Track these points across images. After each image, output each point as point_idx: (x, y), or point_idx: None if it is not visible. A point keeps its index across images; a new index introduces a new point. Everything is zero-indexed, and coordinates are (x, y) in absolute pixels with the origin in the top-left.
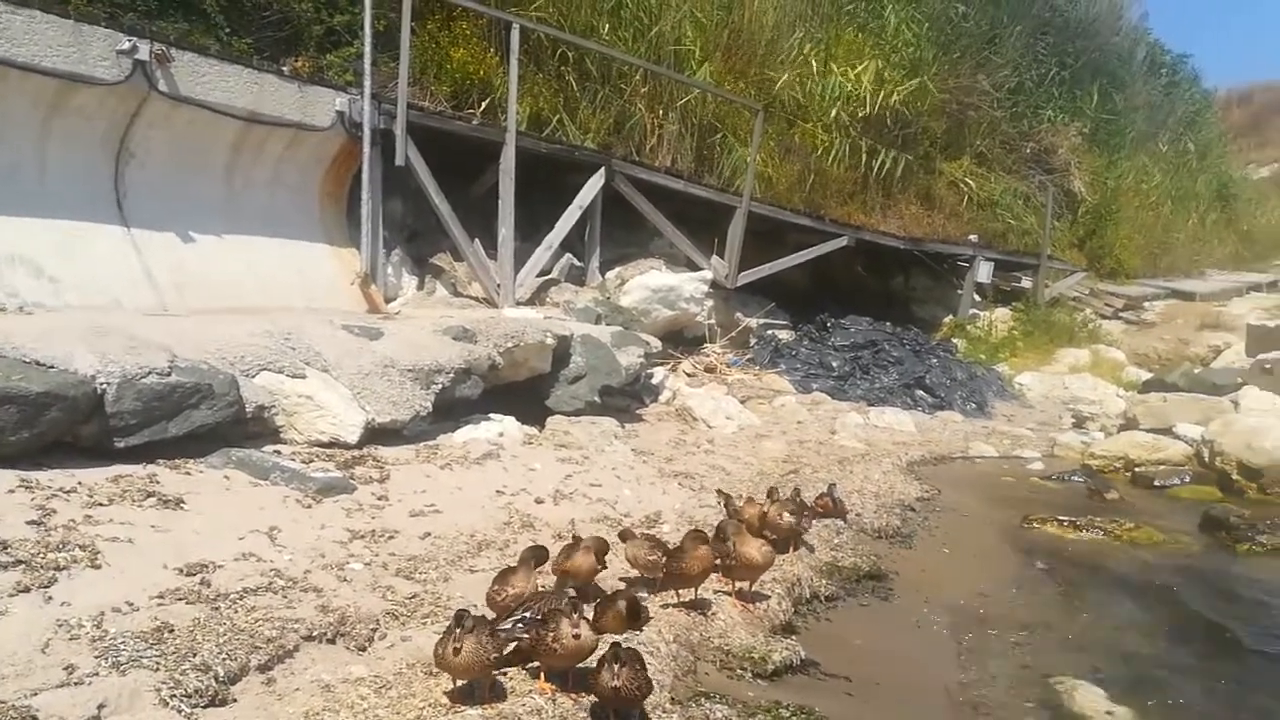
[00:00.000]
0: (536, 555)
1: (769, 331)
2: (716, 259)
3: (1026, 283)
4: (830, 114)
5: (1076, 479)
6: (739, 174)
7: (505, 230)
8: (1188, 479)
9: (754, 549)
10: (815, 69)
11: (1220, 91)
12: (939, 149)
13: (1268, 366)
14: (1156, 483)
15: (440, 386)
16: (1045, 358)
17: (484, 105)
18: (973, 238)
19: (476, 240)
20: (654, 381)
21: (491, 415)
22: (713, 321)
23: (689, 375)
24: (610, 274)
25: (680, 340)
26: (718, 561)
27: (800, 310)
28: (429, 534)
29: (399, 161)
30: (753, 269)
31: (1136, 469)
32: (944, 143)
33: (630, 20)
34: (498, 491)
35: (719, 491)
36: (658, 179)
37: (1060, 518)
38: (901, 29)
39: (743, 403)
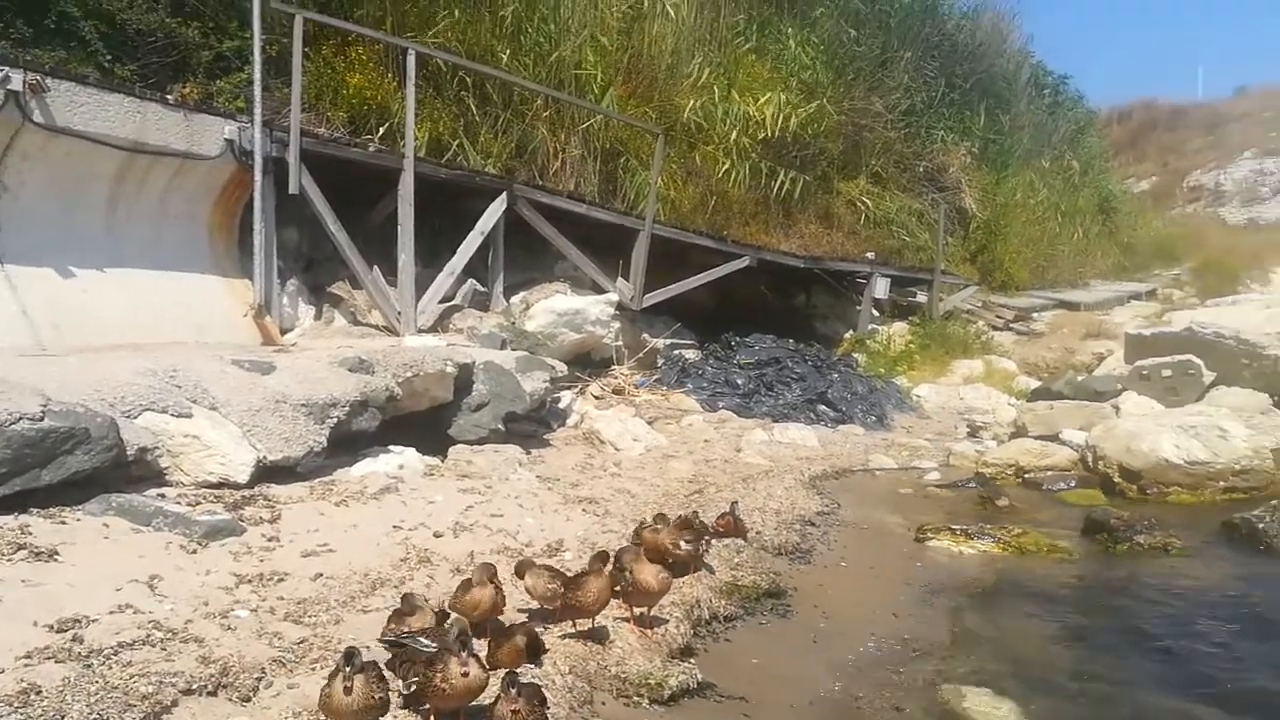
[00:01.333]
0: (489, 571)
1: (676, 351)
2: (622, 281)
3: (922, 297)
4: (731, 137)
5: (970, 487)
6: (643, 197)
7: (405, 257)
8: (1073, 483)
9: (650, 575)
10: (716, 94)
11: (1101, 110)
12: (837, 169)
13: (1145, 373)
14: (1045, 488)
15: (336, 420)
16: (941, 369)
17: (382, 131)
18: (870, 255)
19: (376, 268)
20: (561, 406)
21: (391, 447)
22: (620, 343)
23: (597, 398)
24: (515, 298)
25: (588, 363)
26: (617, 588)
27: (706, 329)
28: (321, 575)
29: (293, 190)
30: (658, 290)
31: (1026, 475)
32: (841, 163)
33: (531, 45)
34: (395, 527)
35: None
36: (560, 203)
37: (953, 527)
38: (798, 54)
39: (650, 424)
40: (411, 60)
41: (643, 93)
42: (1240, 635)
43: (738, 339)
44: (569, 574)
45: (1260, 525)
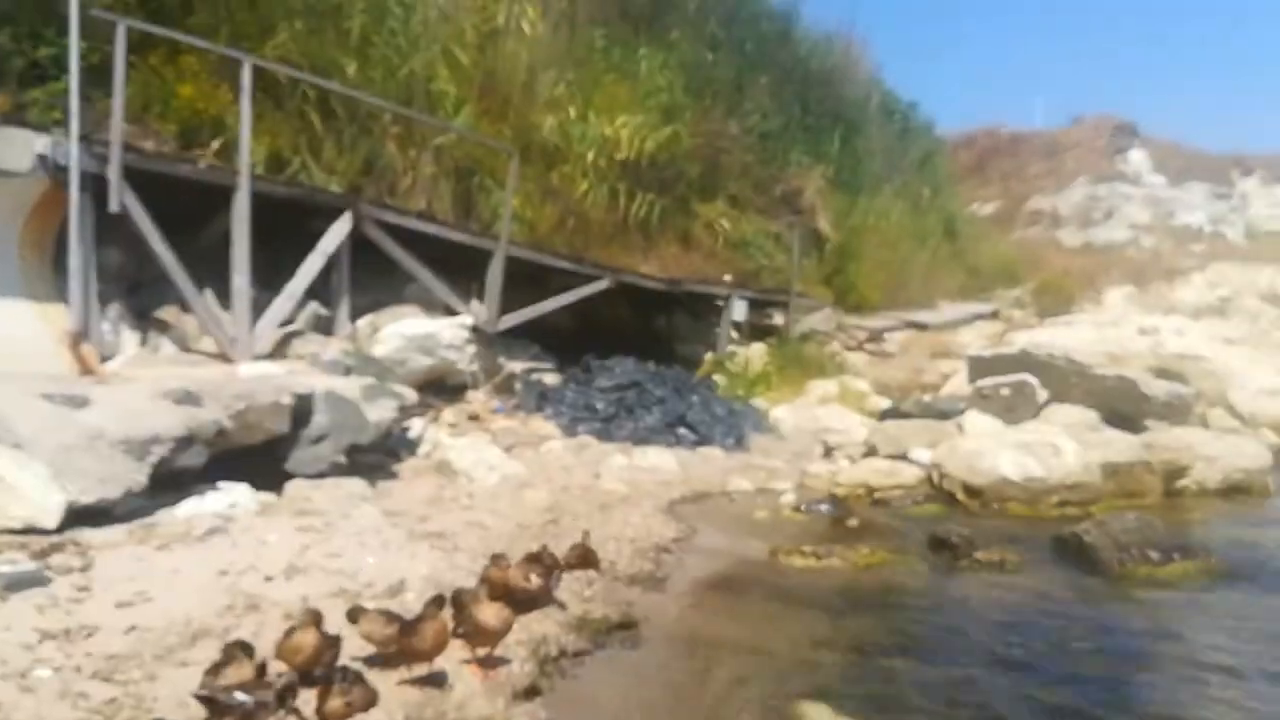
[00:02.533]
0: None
1: (535, 376)
2: (477, 304)
3: (779, 319)
4: (588, 158)
5: (823, 508)
6: (499, 217)
7: (240, 279)
8: (920, 500)
9: (491, 614)
10: (572, 114)
11: (949, 136)
12: (695, 192)
13: (985, 393)
14: (894, 506)
15: (158, 457)
16: (798, 390)
17: (216, 145)
18: (727, 278)
19: (208, 290)
20: (411, 435)
21: (220, 485)
22: (475, 368)
23: (451, 426)
24: (362, 322)
25: (441, 389)
26: (458, 630)
27: (566, 353)
28: (135, 627)
29: (113, 208)
30: (515, 313)
31: (877, 494)
32: (700, 186)
33: (380, 59)
34: (222, 571)
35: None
36: (410, 223)
37: (805, 548)
38: (654, 76)
39: (507, 451)
40: (247, 72)
41: (498, 111)
42: (1068, 648)
43: (598, 362)
44: (407, 616)
45: (1087, 539)
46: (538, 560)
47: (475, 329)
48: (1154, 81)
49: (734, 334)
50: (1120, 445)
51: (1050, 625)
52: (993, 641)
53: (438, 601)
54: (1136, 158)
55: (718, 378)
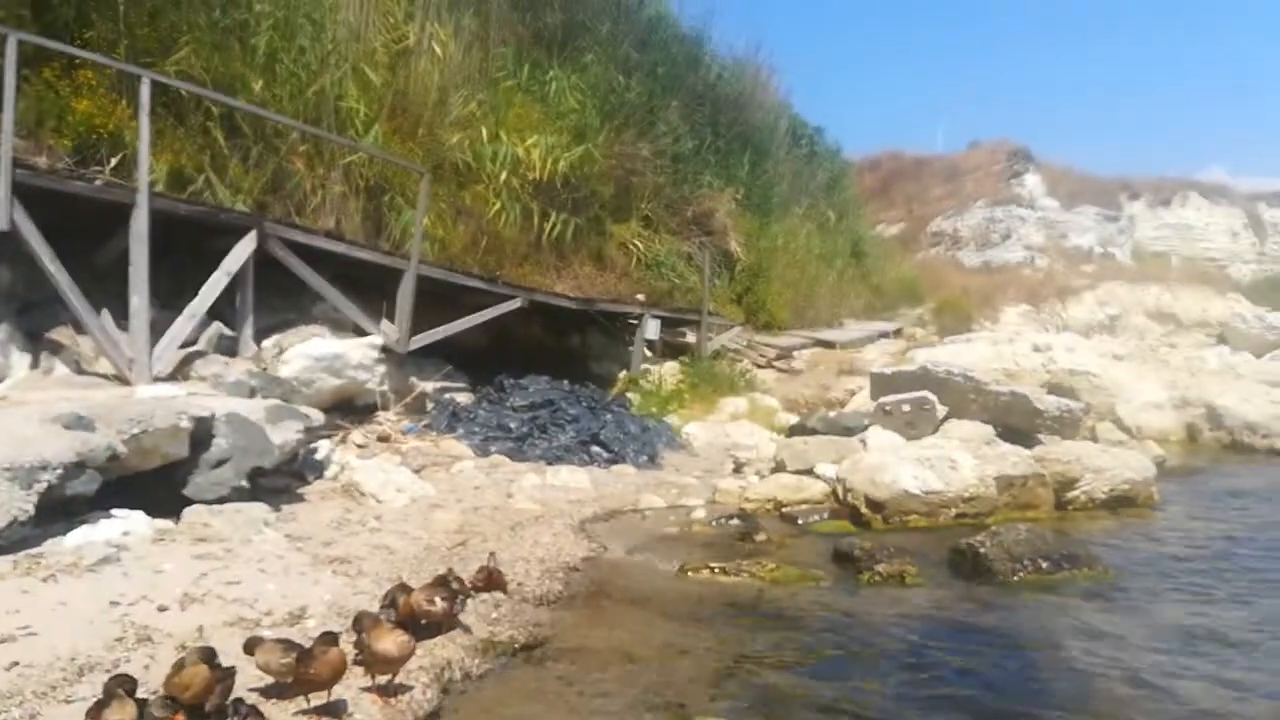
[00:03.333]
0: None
1: (447, 395)
2: (387, 323)
3: (692, 337)
4: (501, 178)
5: (733, 523)
6: (410, 236)
7: (138, 299)
8: (826, 515)
9: (390, 642)
10: (485, 133)
11: (855, 159)
12: (609, 212)
13: (888, 409)
14: (800, 521)
15: (46, 485)
16: (710, 407)
17: (115, 162)
18: (640, 297)
19: (105, 311)
20: (318, 457)
21: (115, 512)
22: (385, 388)
23: (360, 447)
24: (267, 343)
25: (350, 410)
26: (358, 657)
27: (480, 372)
28: (17, 663)
29: (2, 226)
30: (427, 332)
31: (784, 509)
32: (613, 206)
33: (287, 76)
34: (112, 603)
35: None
36: (318, 242)
37: (712, 564)
38: (567, 97)
39: (418, 472)
40: (145, 88)
41: (409, 130)
42: (962, 656)
43: (512, 381)
44: (306, 645)
45: (982, 550)
46: (443, 584)
47: (385, 349)
48: (1047, 108)
49: (647, 352)
50: (1014, 459)
51: (945, 634)
52: (890, 652)
53: (327, 639)
54: (1031, 182)
55: (631, 396)
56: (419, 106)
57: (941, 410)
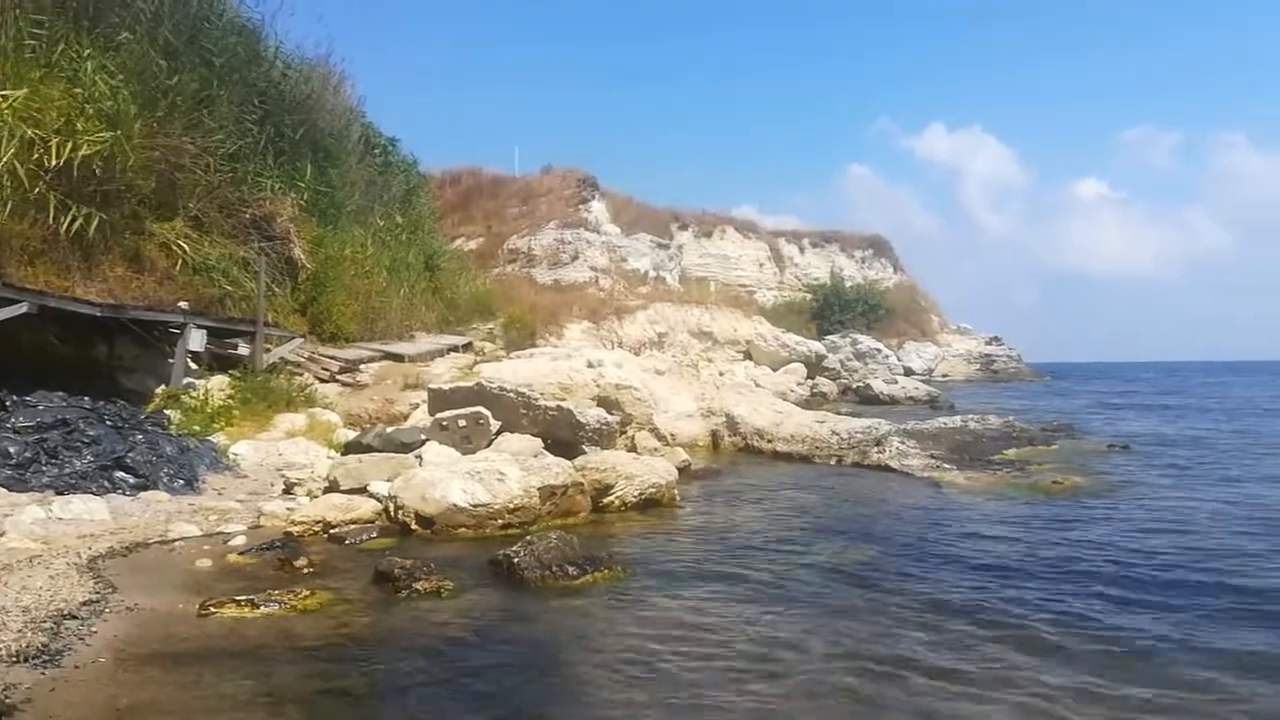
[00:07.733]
0: None
1: None
2: None
3: (245, 349)
4: (3, 160)
5: (274, 550)
6: None
7: None
8: (375, 534)
9: None
10: None
11: (435, 172)
12: (149, 209)
13: (445, 424)
14: (348, 542)
15: None
16: (264, 424)
17: None
18: (183, 304)
19: None
20: None
21: None
22: None
23: None
24: None
25: None
26: None
27: None
28: None
29: None
30: None
31: (333, 530)
32: (155, 203)
33: None
34: None
35: None
36: None
37: (239, 598)
38: (96, 79)
39: None
40: None
41: None
42: (490, 663)
43: (17, 398)
44: None
45: (515, 560)
46: None
47: None
48: (609, 140)
49: (192, 365)
50: (556, 469)
51: (471, 644)
52: (405, 671)
53: None
54: (597, 208)
55: (171, 412)
56: None
57: (495, 425)
